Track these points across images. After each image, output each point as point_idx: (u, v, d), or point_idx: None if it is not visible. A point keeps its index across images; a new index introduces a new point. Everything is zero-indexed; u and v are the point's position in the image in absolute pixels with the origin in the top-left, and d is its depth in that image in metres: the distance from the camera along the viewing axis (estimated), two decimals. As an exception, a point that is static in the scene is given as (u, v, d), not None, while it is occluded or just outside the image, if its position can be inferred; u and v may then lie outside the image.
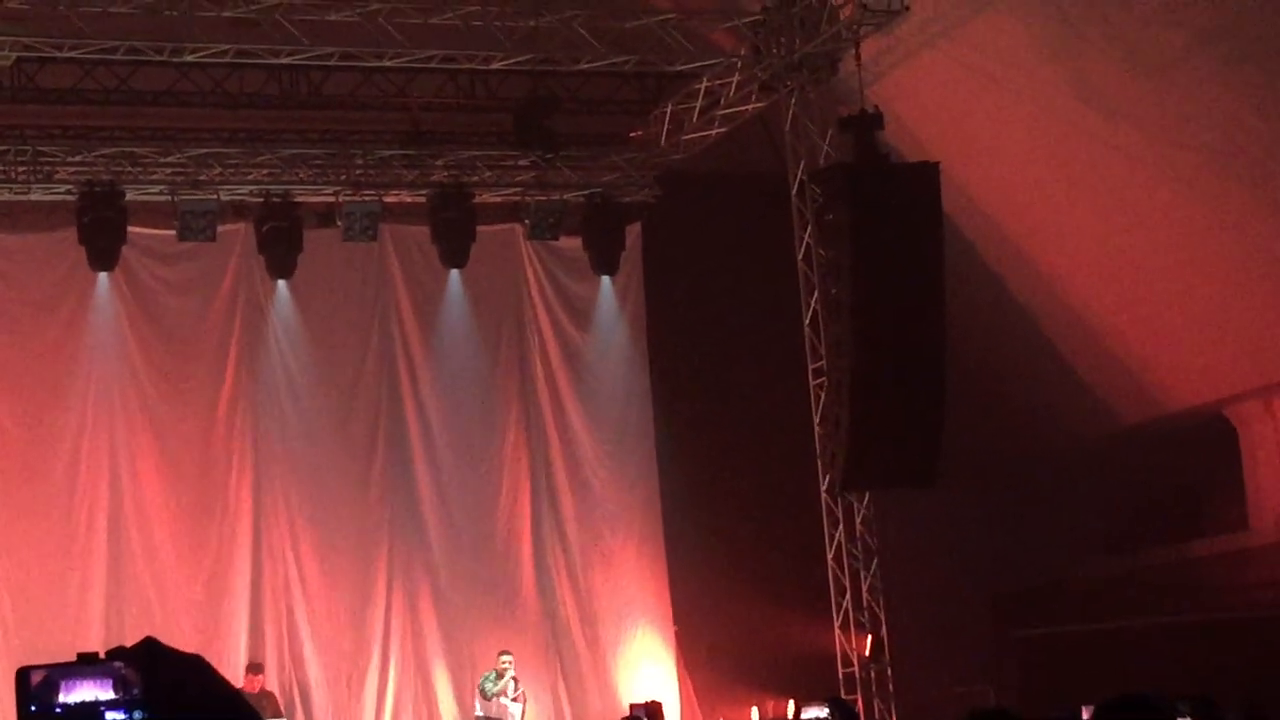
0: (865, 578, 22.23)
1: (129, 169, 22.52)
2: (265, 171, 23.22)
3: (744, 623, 24.54)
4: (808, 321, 22.33)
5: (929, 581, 25.02)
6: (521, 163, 24.15)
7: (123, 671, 3.35)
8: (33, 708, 3.35)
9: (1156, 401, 24.32)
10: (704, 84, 22.79)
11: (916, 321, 20.83)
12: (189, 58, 20.35)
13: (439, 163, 23.84)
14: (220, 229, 22.80)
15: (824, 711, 6.24)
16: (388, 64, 21.27)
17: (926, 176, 21.03)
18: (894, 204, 20.86)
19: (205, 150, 22.86)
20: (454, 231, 23.77)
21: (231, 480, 23.10)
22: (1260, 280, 21.83)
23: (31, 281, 22.67)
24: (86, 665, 3.38)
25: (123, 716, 3.36)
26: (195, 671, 3.39)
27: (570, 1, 20.98)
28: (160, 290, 23.18)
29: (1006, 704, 22.22)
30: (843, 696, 20.27)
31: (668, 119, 23.86)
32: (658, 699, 22.19)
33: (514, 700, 22.27)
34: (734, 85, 22.49)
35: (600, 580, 24.57)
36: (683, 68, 22.32)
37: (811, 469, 22.42)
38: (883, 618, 22.22)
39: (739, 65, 22.20)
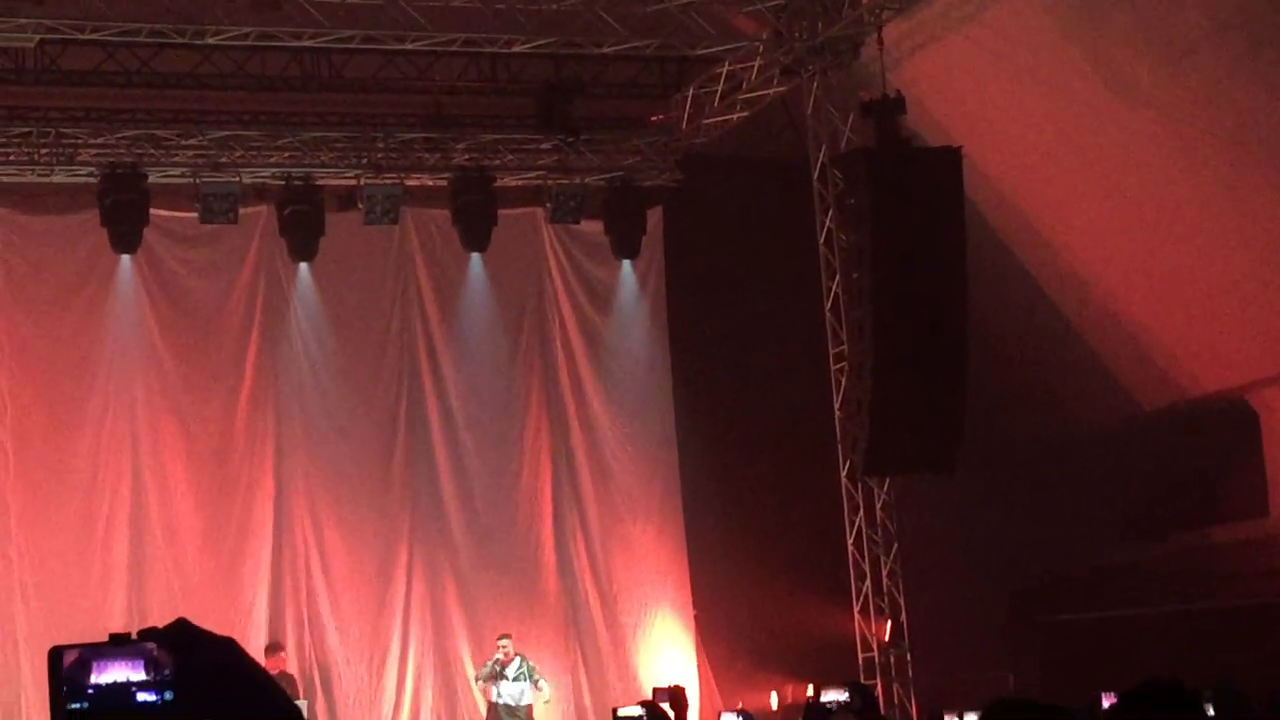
0: (885, 563, 22.25)
1: (151, 151, 22.56)
2: (287, 154, 23.25)
3: (763, 607, 24.54)
4: (829, 306, 22.33)
5: (948, 567, 24.99)
6: (543, 146, 24.14)
7: (154, 653, 3.36)
8: (65, 688, 3.37)
9: (1177, 387, 24.27)
10: (726, 68, 22.77)
11: (938, 307, 20.82)
12: (211, 40, 20.38)
13: (460, 146, 23.84)
14: (242, 211, 22.85)
15: (843, 695, 6.27)
16: (409, 47, 21.27)
17: (948, 161, 21.02)
18: (915, 188, 20.85)
19: (227, 133, 22.89)
20: (475, 215, 23.78)
21: (252, 462, 23.15)
22: (1282, 265, 21.79)
23: (54, 263, 22.72)
24: (118, 646, 3.39)
25: (153, 697, 3.37)
26: (227, 653, 3.40)
27: (592, -15, 20.99)
28: (182, 272, 23.22)
29: (1025, 690, 22.23)
30: (862, 681, 20.29)
31: (689, 103, 23.85)
32: (679, 683, 22.20)
33: (514, 680, 22.25)
34: (756, 69, 22.46)
35: (620, 564, 24.59)
36: (705, 51, 22.30)
37: (832, 454, 22.43)
38: (902, 603, 22.23)
39: (761, 49, 22.17)
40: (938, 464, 21.71)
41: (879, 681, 21.81)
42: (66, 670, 3.38)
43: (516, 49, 21.37)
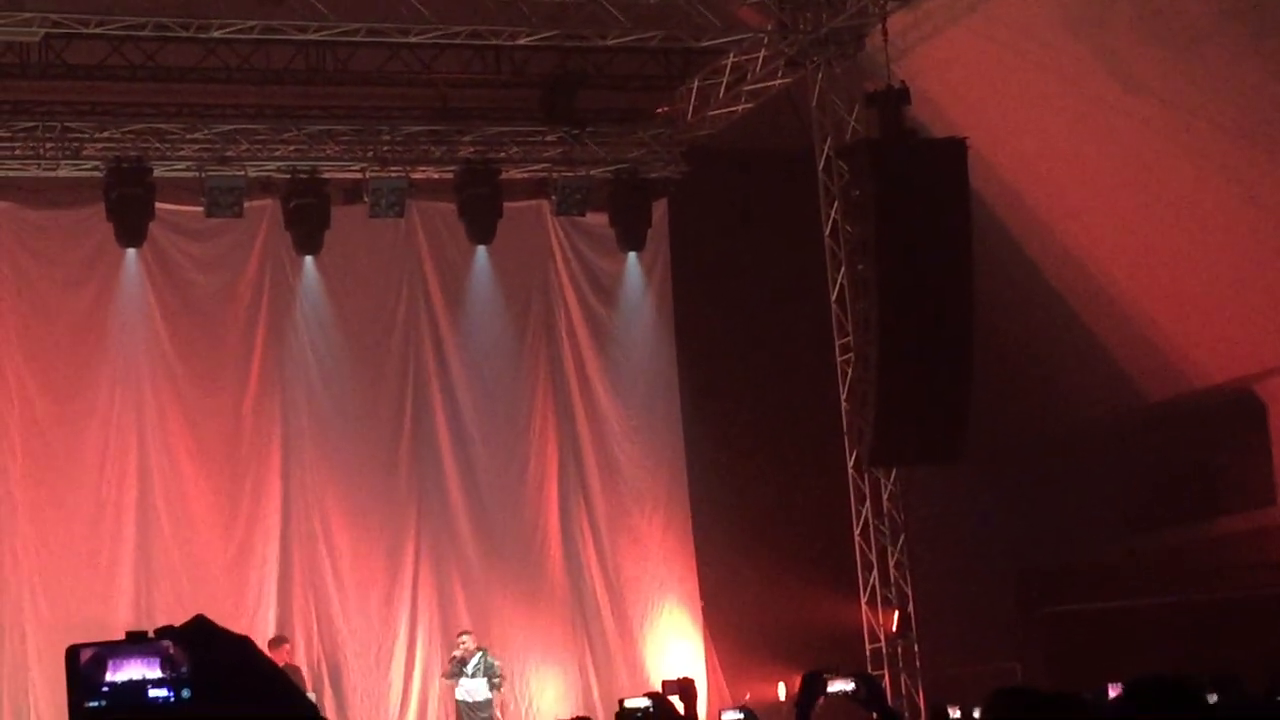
0: (892, 554, 22.26)
1: (156, 145, 22.58)
2: (292, 148, 23.25)
3: (770, 598, 24.54)
4: (834, 298, 22.33)
5: (954, 558, 25.00)
6: (548, 139, 24.15)
7: (171, 650, 3.37)
8: (81, 685, 3.38)
9: (1184, 378, 24.27)
10: (730, 59, 22.77)
11: (943, 298, 20.82)
12: (216, 34, 20.39)
13: (466, 139, 23.85)
14: (247, 205, 22.86)
15: (850, 685, 6.28)
16: (415, 40, 21.28)
17: (953, 152, 21.02)
18: (920, 180, 20.85)
19: (232, 126, 22.89)
20: (481, 208, 23.79)
21: (259, 454, 23.17)
22: (1289, 256, 21.79)
23: (60, 257, 22.74)
24: (135, 644, 3.40)
25: (166, 693, 3.38)
26: (244, 652, 3.41)
27: (597, -23, 21.00)
28: (188, 266, 23.23)
29: (1032, 681, 22.25)
30: (869, 672, 20.31)
31: (694, 95, 23.85)
32: (689, 676, 22.20)
33: (472, 676, 22.20)
34: (760, 61, 22.46)
35: (627, 557, 24.61)
36: (709, 43, 22.30)
37: (838, 445, 22.43)
38: (909, 594, 22.25)
39: (765, 40, 22.17)
40: (943, 455, 21.72)
41: (886, 672, 21.82)
42: (82, 668, 3.39)
43: (521, 41, 21.38)
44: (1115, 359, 24.87)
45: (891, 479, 22.42)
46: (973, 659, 23.36)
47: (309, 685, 22.27)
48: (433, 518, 23.84)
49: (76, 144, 22.34)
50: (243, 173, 22.83)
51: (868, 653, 22.10)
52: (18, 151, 22.26)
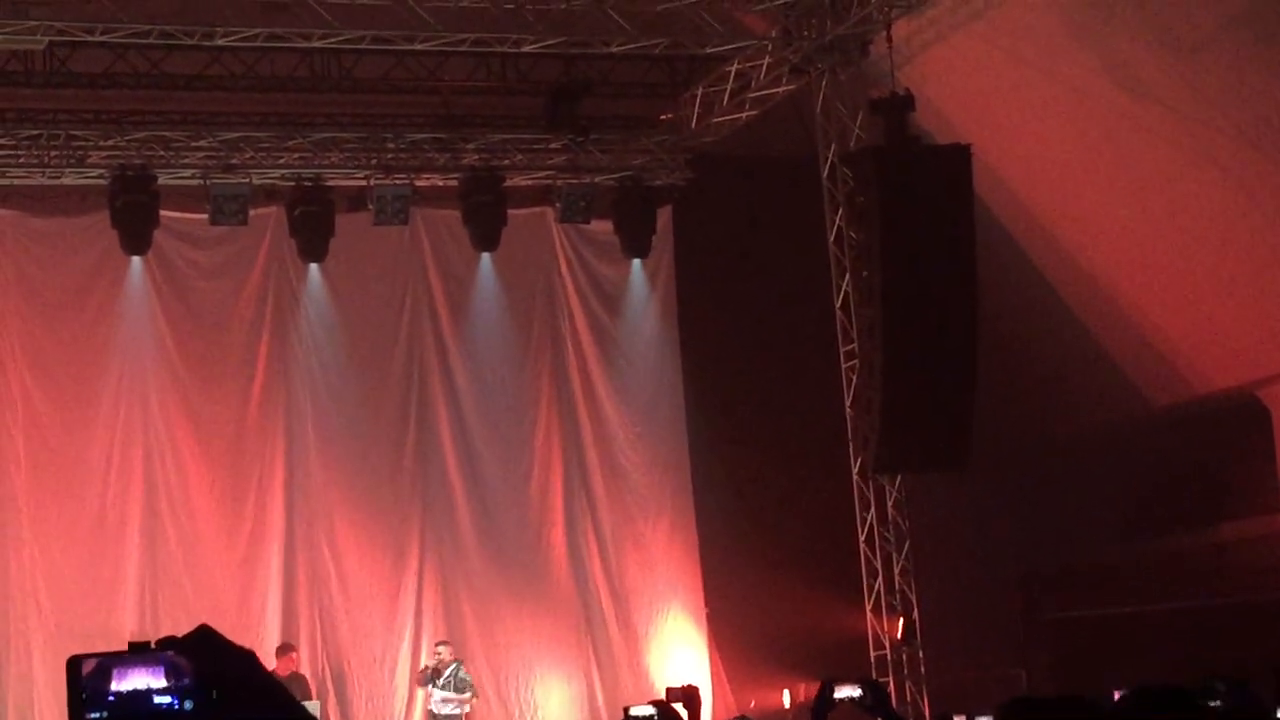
0: (897, 560, 22.25)
1: (161, 153, 22.59)
2: (297, 155, 23.27)
3: (775, 605, 24.54)
4: (839, 304, 22.33)
5: (959, 564, 24.99)
6: (553, 146, 24.16)
7: (174, 660, 3.38)
8: (84, 695, 3.39)
9: (1187, 384, 24.26)
10: (735, 66, 22.78)
11: (948, 304, 20.80)
12: (220, 41, 20.41)
13: (470, 146, 23.86)
14: (252, 213, 22.86)
15: (856, 691, 6.29)
16: (419, 47, 21.29)
17: (958, 159, 20.99)
18: (925, 187, 20.83)
19: (237, 134, 22.90)
20: (485, 215, 23.80)
21: (264, 462, 23.19)
22: (1292, 261, 21.77)
23: (64, 265, 22.77)
24: (138, 654, 3.41)
25: (170, 700, 3.38)
26: (247, 665, 3.42)
27: (601, -16, 21.00)
28: (192, 274, 23.26)
29: (1037, 687, 22.25)
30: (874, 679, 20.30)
31: (698, 102, 23.86)
32: (693, 683, 22.17)
33: (442, 688, 22.16)
34: (765, 68, 22.48)
35: (632, 563, 24.62)
36: (713, 50, 22.31)
37: (843, 452, 22.44)
38: (914, 600, 22.24)
39: (770, 47, 22.18)
40: (948, 461, 21.70)
41: (891, 679, 21.81)
42: (86, 679, 3.39)
43: (526, 49, 21.39)
44: (1119, 365, 24.86)
45: (896, 485, 22.42)
46: (977, 665, 23.37)
47: (314, 692, 22.29)
48: (437, 525, 23.85)
49: (81, 152, 22.36)
50: (247, 180, 22.85)
51: (872, 659, 22.09)
52: (22, 159, 22.28)
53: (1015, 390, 24.56)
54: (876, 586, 22.24)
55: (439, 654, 22.33)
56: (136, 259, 22.72)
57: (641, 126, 24.68)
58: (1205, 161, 21.44)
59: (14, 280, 22.48)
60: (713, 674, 24.48)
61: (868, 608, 22.30)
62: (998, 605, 25.70)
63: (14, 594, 21.98)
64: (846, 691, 7.03)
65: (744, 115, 23.52)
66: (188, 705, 3.39)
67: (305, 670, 22.53)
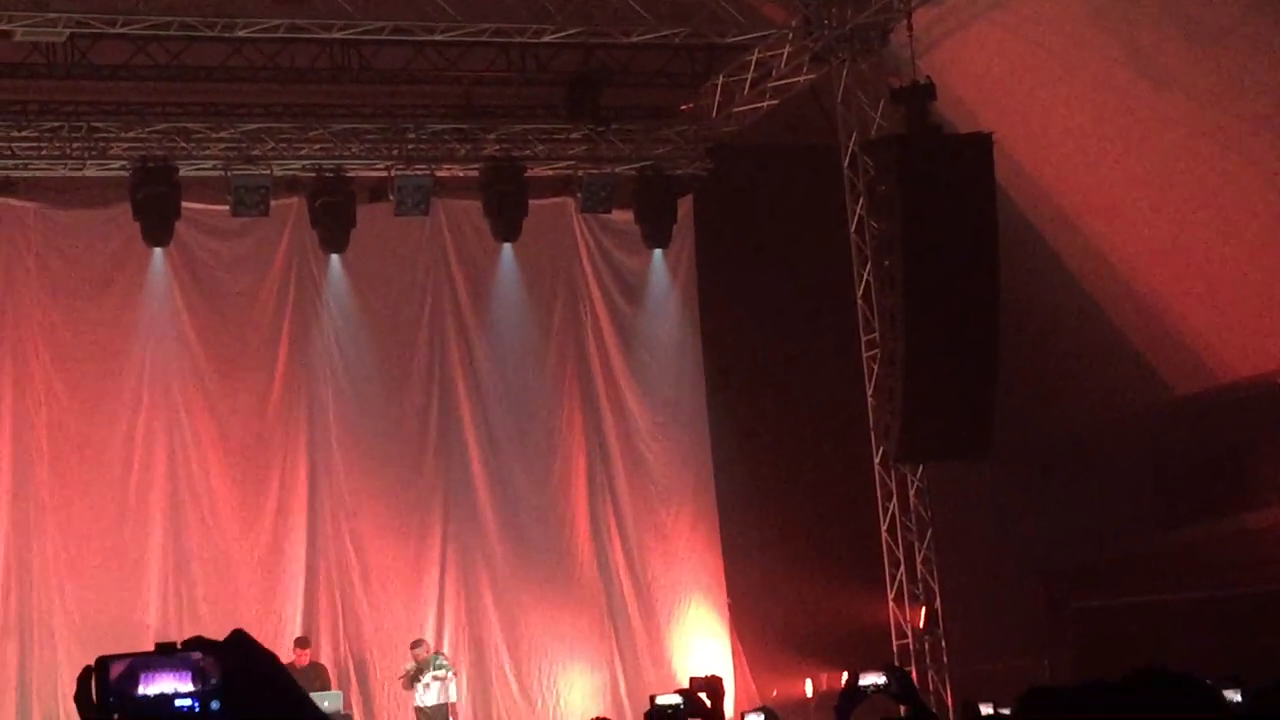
0: (919, 550, 22.25)
1: (182, 144, 22.62)
2: (318, 146, 23.28)
3: (798, 596, 24.54)
4: (860, 294, 22.32)
5: (981, 553, 24.96)
6: (573, 136, 24.16)
7: (201, 663, 3.36)
8: (111, 699, 3.37)
9: (1209, 372, 24.20)
10: (755, 56, 22.75)
11: (969, 293, 20.80)
12: (241, 33, 20.43)
13: (491, 136, 23.86)
14: (273, 204, 22.88)
15: (880, 679, 6.29)
16: (439, 38, 21.29)
17: (979, 147, 20.99)
18: (946, 175, 20.84)
19: (258, 125, 22.92)
20: (506, 205, 23.80)
21: (286, 452, 23.21)
22: (1316, 249, 21.72)
23: (86, 257, 22.80)
24: (165, 656, 3.38)
25: (190, 703, 3.36)
26: (274, 668, 3.41)
27: (621, -26, 21.00)
28: (214, 265, 23.28)
29: (1060, 677, 22.21)
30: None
31: (719, 91, 23.84)
32: (716, 673, 22.19)
33: (425, 686, 22.13)
34: (785, 57, 22.45)
35: (655, 554, 24.61)
36: (734, 40, 22.29)
37: (865, 441, 22.42)
38: (936, 589, 22.23)
39: (790, 36, 22.16)
40: (970, 451, 21.71)
41: (914, 668, 21.79)
42: (114, 683, 3.37)
43: (546, 39, 21.40)
44: (1141, 353, 24.81)
45: (918, 475, 22.41)
46: (1000, 655, 23.32)
47: (335, 683, 22.32)
48: (459, 515, 23.86)
49: (103, 144, 22.38)
50: (268, 171, 22.86)
51: (895, 649, 22.09)
52: (44, 152, 22.32)
53: (1037, 379, 24.52)
54: (899, 576, 22.24)
55: (416, 654, 22.26)
56: (158, 250, 22.74)
57: (662, 116, 24.67)
58: (1228, 149, 21.39)
59: (36, 272, 22.52)
60: (735, 664, 24.48)
61: (890, 597, 22.30)
62: (1020, 594, 25.67)
63: (37, 584, 22.01)
64: (871, 679, 7.02)
65: (765, 104, 23.50)
66: (212, 707, 3.38)
67: (327, 660, 22.56)
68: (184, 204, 22.52)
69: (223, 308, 23.27)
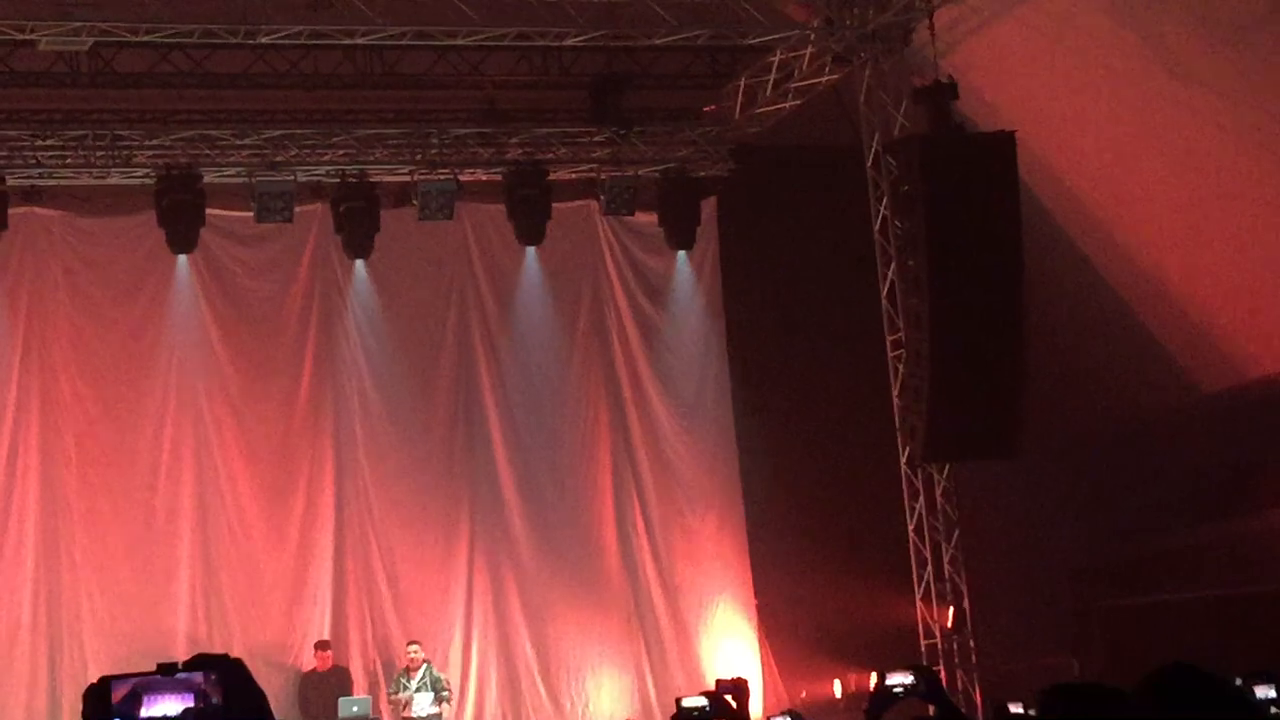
0: (946, 549, 22.21)
1: (206, 152, 22.66)
2: (341, 152, 23.32)
3: (825, 596, 24.50)
4: (885, 293, 22.29)
5: (1009, 552, 24.89)
6: (596, 139, 24.16)
7: (203, 685, 3.36)
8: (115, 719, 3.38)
9: (1237, 369, 24.13)
10: (777, 57, 22.75)
11: (994, 292, 20.76)
12: (264, 40, 20.43)
13: (514, 140, 23.88)
14: (297, 210, 22.89)
15: (909, 678, 6.28)
16: (462, 42, 21.29)
17: (1002, 146, 20.96)
18: (970, 174, 20.81)
19: (281, 131, 22.95)
20: (530, 209, 23.81)
21: (312, 458, 23.24)
22: (1343, 245, 21.65)
23: (112, 265, 22.85)
24: (168, 677, 3.39)
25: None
26: (260, 701, 3.42)
27: (643, -24, 20.99)
28: (239, 272, 23.32)
29: (1091, 675, 22.15)
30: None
31: (741, 92, 23.84)
32: (743, 675, 22.15)
33: (417, 690, 22.09)
34: (807, 57, 22.44)
35: (682, 555, 24.60)
36: (756, 41, 22.26)
37: (891, 441, 22.39)
38: (964, 589, 22.19)
39: (812, 37, 22.14)
40: (997, 449, 21.66)
41: (942, 668, 21.77)
42: (117, 705, 3.38)
43: (568, 42, 21.38)
44: (1168, 350, 24.75)
45: (945, 474, 22.37)
46: (1029, 654, 23.27)
47: (365, 688, 22.35)
48: (486, 519, 23.87)
49: (127, 152, 22.43)
50: (292, 178, 22.88)
51: (923, 649, 22.05)
52: (69, 160, 22.37)
53: (1064, 378, 24.47)
54: (926, 576, 22.20)
55: (410, 654, 22.25)
56: (183, 257, 22.79)
57: (685, 118, 24.67)
58: (1253, 146, 21.32)
59: (62, 280, 22.58)
60: (763, 665, 24.46)
61: (917, 597, 22.26)
62: (1049, 593, 25.60)
63: (66, 593, 22.06)
64: (899, 679, 7.02)
65: (787, 105, 23.49)
66: None
67: (355, 665, 22.59)
68: (208, 211, 22.58)
69: (248, 314, 23.32)
